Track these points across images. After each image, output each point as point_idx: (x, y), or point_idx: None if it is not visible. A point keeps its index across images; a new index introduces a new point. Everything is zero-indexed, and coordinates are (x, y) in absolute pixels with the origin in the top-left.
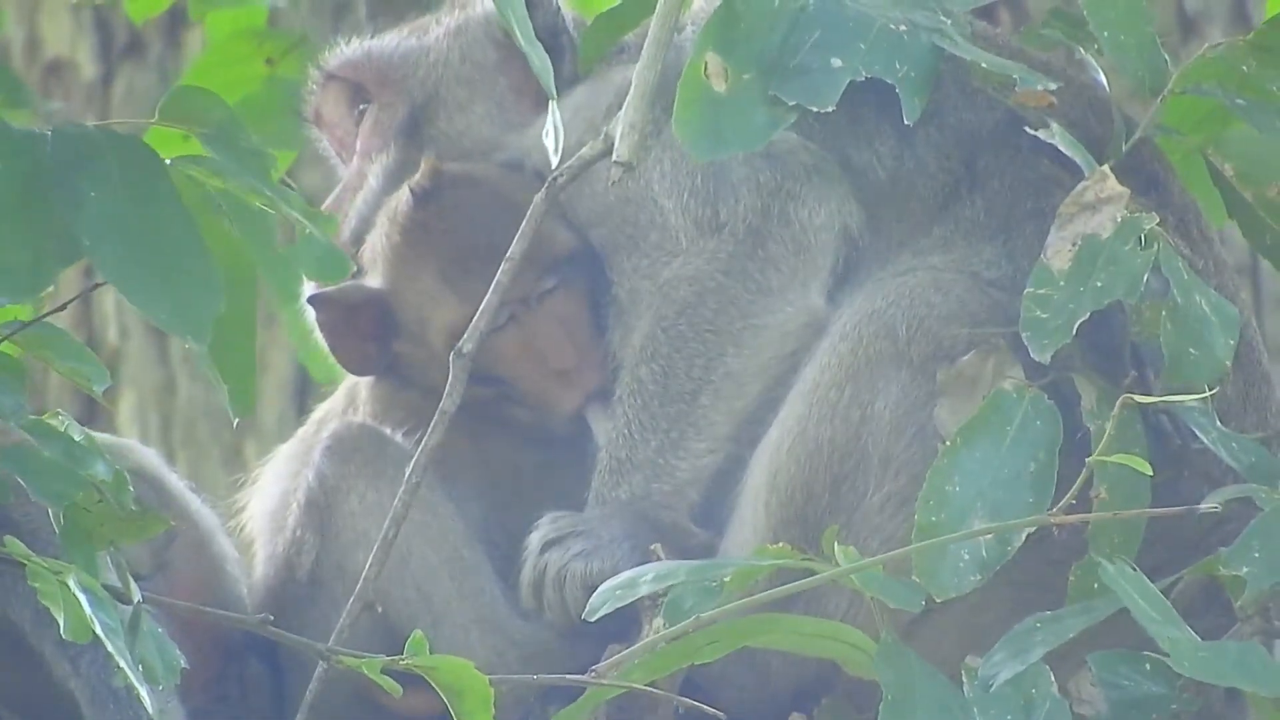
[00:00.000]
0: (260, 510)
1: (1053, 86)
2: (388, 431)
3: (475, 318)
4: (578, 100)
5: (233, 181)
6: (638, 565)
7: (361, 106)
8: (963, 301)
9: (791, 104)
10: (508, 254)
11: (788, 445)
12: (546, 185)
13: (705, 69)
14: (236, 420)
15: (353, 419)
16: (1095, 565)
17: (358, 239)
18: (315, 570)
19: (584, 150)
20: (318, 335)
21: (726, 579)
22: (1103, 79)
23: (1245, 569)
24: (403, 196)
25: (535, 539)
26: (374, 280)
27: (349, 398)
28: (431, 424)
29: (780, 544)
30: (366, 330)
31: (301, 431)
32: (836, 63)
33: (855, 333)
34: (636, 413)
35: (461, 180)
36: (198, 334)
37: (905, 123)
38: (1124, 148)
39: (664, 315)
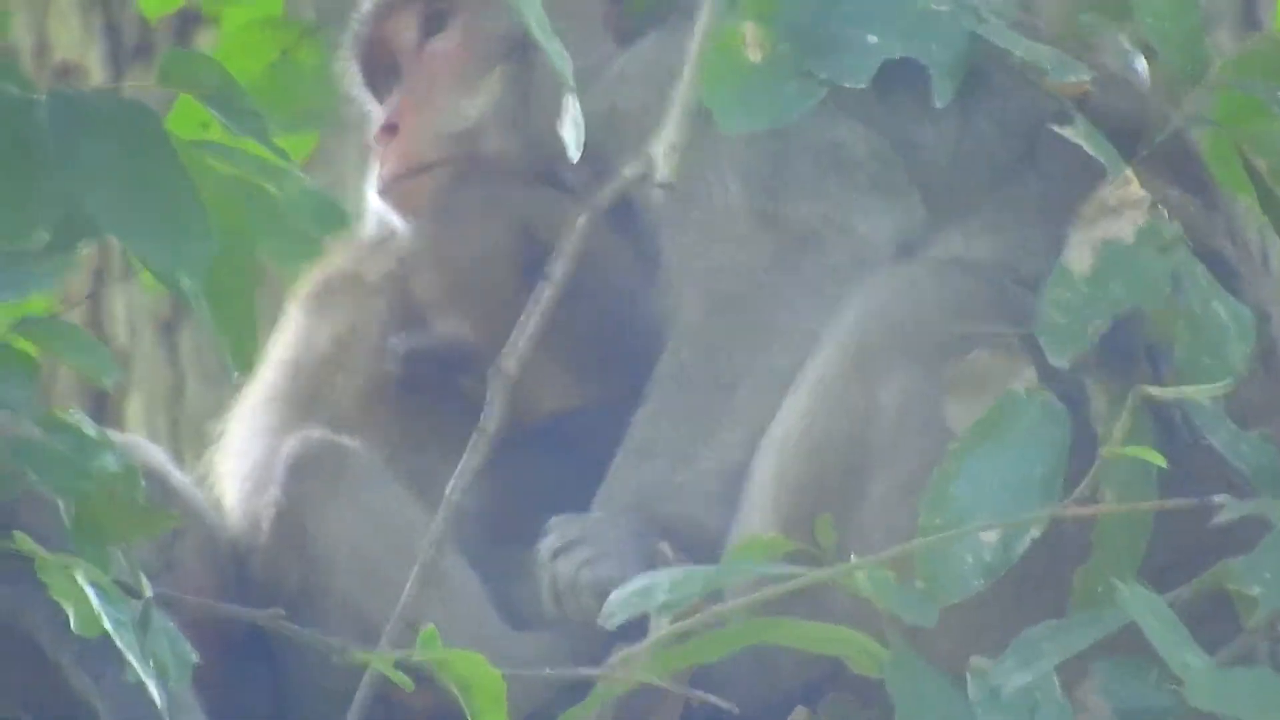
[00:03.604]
0: (234, 474)
1: (1086, 77)
2: (347, 441)
3: (513, 335)
4: (648, 55)
5: (240, 165)
6: (646, 567)
7: (429, 37)
8: (968, 296)
9: (823, 78)
10: (545, 272)
11: (794, 440)
12: (588, 207)
13: (743, 39)
14: (237, 376)
15: (311, 434)
16: (1100, 572)
17: (470, 139)
18: (299, 589)
19: (626, 171)
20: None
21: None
22: (1142, 67)
23: (1258, 589)
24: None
25: (545, 547)
26: (465, 328)
27: (339, 350)
28: (471, 443)
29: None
30: (446, 372)
31: (275, 376)
32: (872, 39)
33: (860, 325)
34: (671, 394)
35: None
36: (191, 270)
37: (936, 103)
38: (1157, 139)
39: (715, 302)
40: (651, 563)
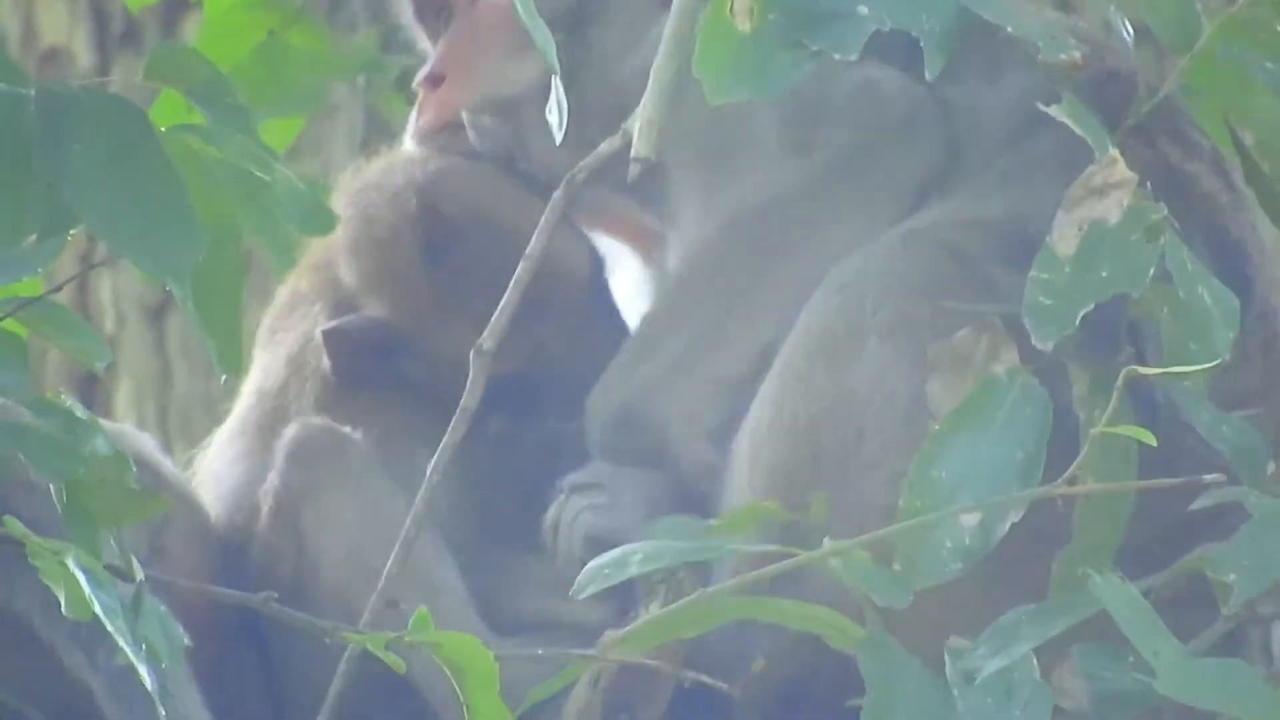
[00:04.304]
0: (214, 499)
1: (1077, 56)
2: (347, 430)
3: (495, 315)
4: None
5: (228, 149)
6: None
7: None
8: (936, 274)
9: (814, 49)
10: (526, 252)
11: (767, 423)
12: (565, 182)
13: (731, 7)
14: (224, 377)
15: (311, 420)
16: (1079, 556)
17: (512, 107)
18: (294, 578)
19: (602, 146)
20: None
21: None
22: (1128, 38)
23: (1233, 576)
24: (406, 255)
25: (569, 481)
26: (385, 310)
27: (292, 367)
28: (453, 421)
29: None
30: (374, 357)
31: (242, 408)
32: (863, 10)
33: (824, 304)
34: (681, 300)
35: (468, 223)
36: (178, 276)
37: (927, 76)
38: (1145, 108)
39: (736, 218)
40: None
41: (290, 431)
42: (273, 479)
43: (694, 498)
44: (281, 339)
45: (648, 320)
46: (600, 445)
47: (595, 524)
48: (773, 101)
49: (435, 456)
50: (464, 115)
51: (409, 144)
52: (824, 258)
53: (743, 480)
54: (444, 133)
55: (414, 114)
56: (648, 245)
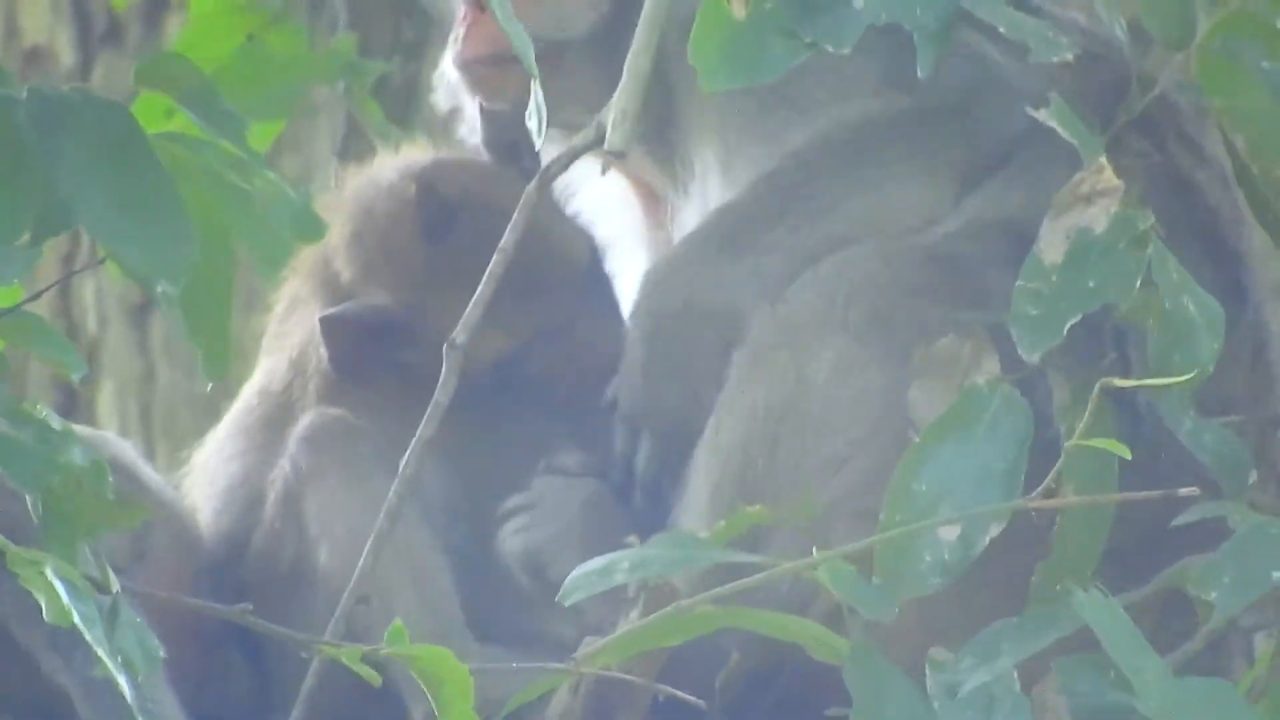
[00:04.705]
0: (208, 495)
1: (1069, 57)
2: (361, 422)
3: (469, 308)
4: None
5: (210, 157)
6: (579, 543)
7: None
8: (900, 274)
9: (808, 40)
10: (500, 245)
11: (730, 404)
12: (538, 176)
13: None
14: (210, 385)
15: (328, 410)
16: (1059, 568)
17: (557, 50)
18: (294, 563)
19: (576, 140)
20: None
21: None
22: (1122, 34)
23: (1214, 594)
24: (408, 225)
25: (502, 509)
26: (384, 297)
27: (295, 369)
28: (426, 416)
29: (722, 507)
30: (373, 344)
31: (243, 408)
32: (858, 2)
33: (796, 296)
34: (766, 200)
35: (466, 204)
36: (172, 276)
37: (919, 73)
38: (1139, 107)
39: (829, 134)
40: (586, 537)
41: (306, 419)
42: (283, 464)
43: (624, 500)
44: (284, 342)
45: (729, 215)
46: (646, 339)
47: (516, 547)
48: (872, 52)
49: (409, 451)
50: (477, 103)
51: (447, 67)
52: (910, 191)
53: (701, 461)
54: (488, 68)
55: (456, 34)
56: (654, 205)
